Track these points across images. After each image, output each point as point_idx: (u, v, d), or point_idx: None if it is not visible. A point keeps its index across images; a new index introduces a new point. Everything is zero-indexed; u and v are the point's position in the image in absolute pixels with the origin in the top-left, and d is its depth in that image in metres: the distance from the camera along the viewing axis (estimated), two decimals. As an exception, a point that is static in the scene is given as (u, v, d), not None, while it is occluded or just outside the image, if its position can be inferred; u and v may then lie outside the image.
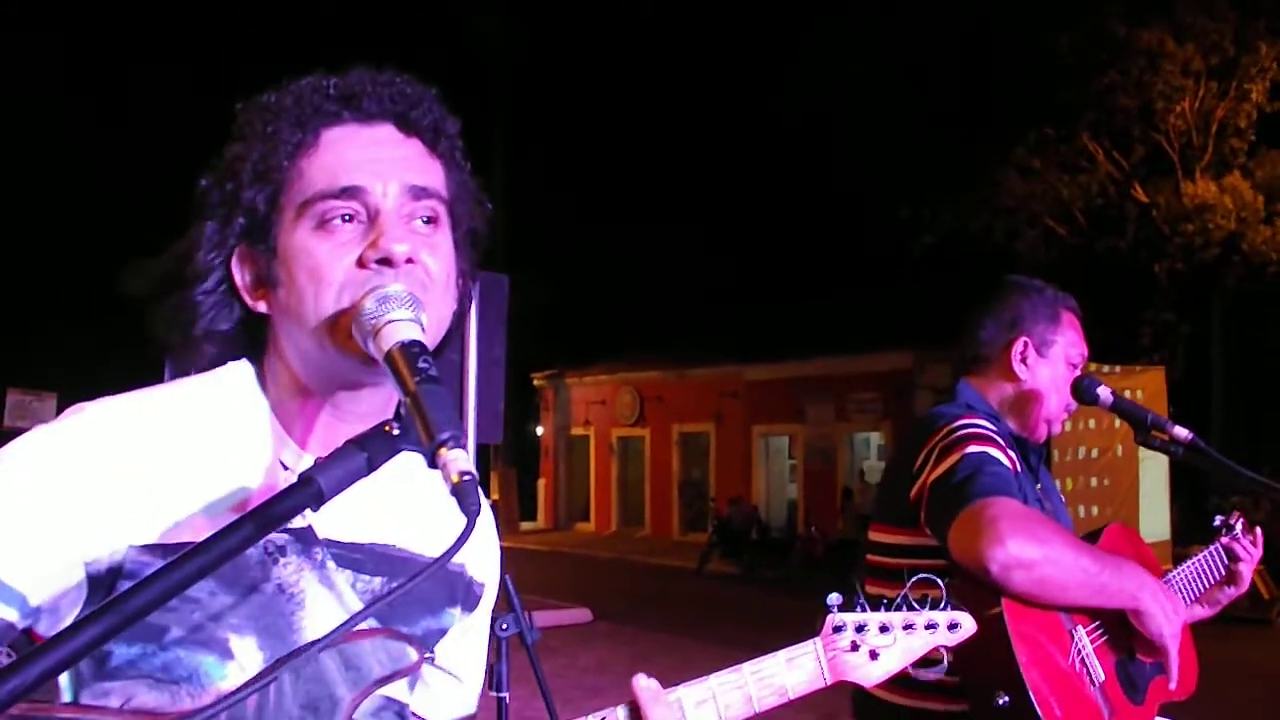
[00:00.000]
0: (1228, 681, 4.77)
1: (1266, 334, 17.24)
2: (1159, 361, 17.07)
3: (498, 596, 1.69)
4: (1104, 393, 2.84)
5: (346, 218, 1.33)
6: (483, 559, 1.58)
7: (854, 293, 26.69)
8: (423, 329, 1.24)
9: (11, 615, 1.27)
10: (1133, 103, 17.95)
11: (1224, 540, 2.99)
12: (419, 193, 1.37)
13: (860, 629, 1.56)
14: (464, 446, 1.09)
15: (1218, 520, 3.02)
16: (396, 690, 1.45)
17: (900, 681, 2.62)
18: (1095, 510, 13.03)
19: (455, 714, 1.60)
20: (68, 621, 1.32)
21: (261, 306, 1.40)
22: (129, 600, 1.02)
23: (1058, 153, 19.03)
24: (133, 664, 1.30)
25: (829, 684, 1.54)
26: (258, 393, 1.42)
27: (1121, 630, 2.59)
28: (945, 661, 1.60)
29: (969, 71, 18.47)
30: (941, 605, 1.62)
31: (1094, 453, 13.46)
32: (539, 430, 32.99)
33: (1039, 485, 2.86)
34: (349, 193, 1.33)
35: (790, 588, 18.54)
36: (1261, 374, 18.10)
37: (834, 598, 1.56)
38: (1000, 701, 2.33)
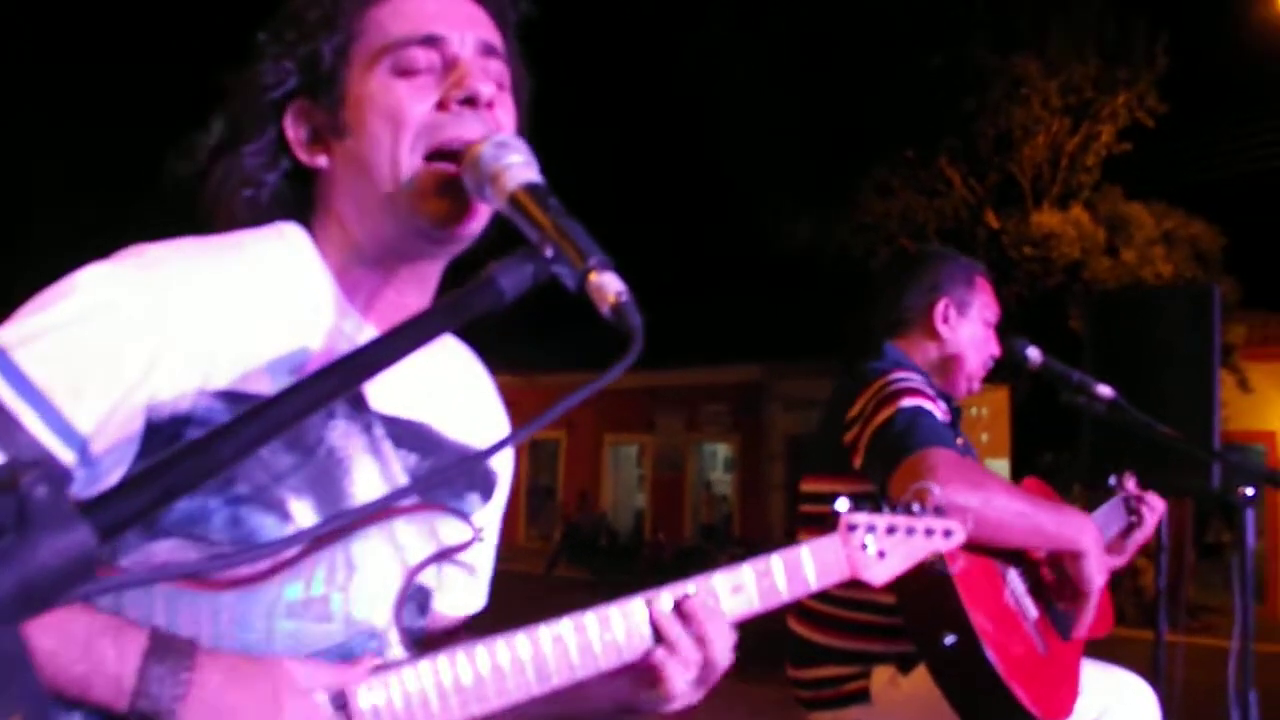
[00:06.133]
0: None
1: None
2: (1003, 382, 17.68)
3: None
4: (1033, 353, 3.05)
5: (423, 67, 1.30)
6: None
7: (707, 303, 26.93)
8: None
9: (70, 458, 1.15)
10: (991, 131, 18.57)
11: (1122, 494, 3.21)
12: (491, 50, 1.35)
13: (870, 529, 1.62)
14: (614, 272, 1.05)
15: (1112, 480, 3.24)
16: (429, 576, 1.41)
17: (839, 624, 2.77)
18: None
19: (467, 609, 1.57)
20: (109, 482, 1.18)
21: (321, 160, 1.35)
22: (245, 427, 0.88)
23: (916, 175, 19.53)
24: (185, 523, 1.20)
25: (846, 578, 1.60)
26: (316, 256, 1.35)
27: (1040, 574, 2.76)
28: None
29: (836, 87, 18.80)
30: (934, 512, 1.70)
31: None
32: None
33: (960, 439, 2.96)
34: (430, 41, 1.31)
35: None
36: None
37: (843, 502, 1.60)
38: (947, 641, 2.44)
